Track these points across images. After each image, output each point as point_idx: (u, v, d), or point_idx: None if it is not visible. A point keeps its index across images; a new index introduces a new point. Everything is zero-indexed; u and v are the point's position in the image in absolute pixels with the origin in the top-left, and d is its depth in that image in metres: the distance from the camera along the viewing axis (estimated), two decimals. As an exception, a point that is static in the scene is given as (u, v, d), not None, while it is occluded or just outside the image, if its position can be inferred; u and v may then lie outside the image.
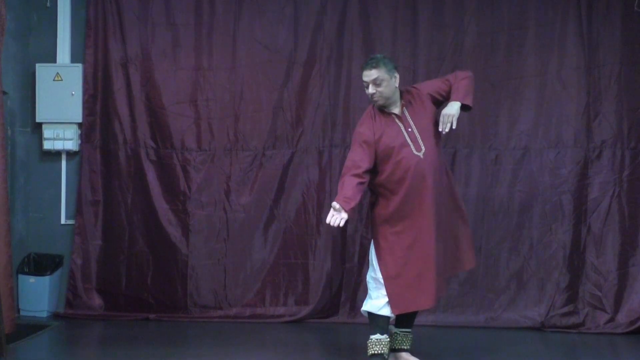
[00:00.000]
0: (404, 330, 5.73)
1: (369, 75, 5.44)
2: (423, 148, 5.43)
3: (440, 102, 5.62)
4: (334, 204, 5.20)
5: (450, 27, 7.42)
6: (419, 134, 5.45)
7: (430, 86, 5.67)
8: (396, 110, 5.51)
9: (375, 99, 5.47)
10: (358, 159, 5.37)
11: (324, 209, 7.33)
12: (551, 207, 7.27)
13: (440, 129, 5.42)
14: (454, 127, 5.38)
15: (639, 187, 7.21)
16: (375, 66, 5.43)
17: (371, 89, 5.44)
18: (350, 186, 5.28)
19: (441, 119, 5.41)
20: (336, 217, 5.19)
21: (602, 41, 7.27)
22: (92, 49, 7.59)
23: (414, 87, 5.68)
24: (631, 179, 7.22)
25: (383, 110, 5.52)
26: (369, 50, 7.34)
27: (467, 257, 5.73)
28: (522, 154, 7.34)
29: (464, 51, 7.40)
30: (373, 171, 5.44)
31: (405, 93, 5.57)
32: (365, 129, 5.47)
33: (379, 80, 5.42)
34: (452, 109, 5.40)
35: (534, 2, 7.37)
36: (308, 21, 7.52)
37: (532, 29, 7.36)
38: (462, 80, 5.52)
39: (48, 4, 7.63)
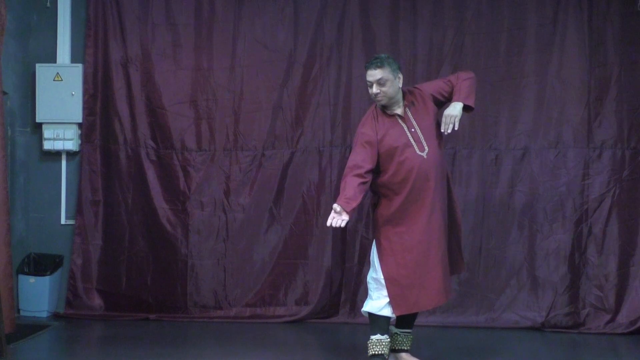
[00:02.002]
0: (404, 330, 5.73)
1: (373, 75, 5.43)
2: (426, 148, 5.42)
3: (442, 103, 5.61)
4: (335, 206, 5.20)
5: (450, 27, 7.43)
6: (422, 134, 5.45)
7: (432, 87, 5.66)
8: (399, 110, 5.51)
9: (378, 98, 5.46)
10: (360, 159, 5.36)
11: (323, 209, 7.34)
12: (551, 207, 7.27)
13: (442, 130, 5.43)
14: (456, 127, 5.38)
15: (639, 187, 7.21)
16: (379, 66, 5.42)
17: (375, 89, 5.43)
18: (352, 186, 5.28)
19: (443, 119, 5.41)
20: (337, 219, 5.19)
21: (602, 41, 7.27)
22: (92, 49, 7.59)
23: (416, 88, 5.67)
24: (631, 179, 7.22)
25: (385, 110, 5.52)
26: (369, 50, 7.35)
27: (456, 261, 5.72)
28: (522, 154, 7.34)
29: (464, 51, 7.40)
30: (375, 171, 5.44)
31: (407, 93, 5.56)
32: (368, 129, 5.46)
33: (383, 80, 5.41)
34: (455, 109, 5.41)
35: (534, 2, 7.37)
36: (308, 21, 7.52)
37: (532, 29, 7.36)
38: (464, 81, 5.52)
39: (48, 4, 7.62)
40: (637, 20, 7.23)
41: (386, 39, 7.45)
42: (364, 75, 5.58)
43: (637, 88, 7.24)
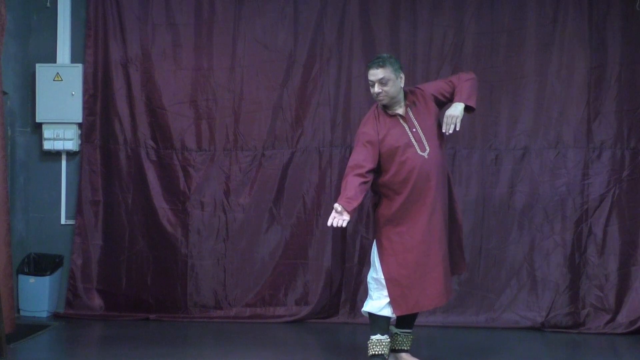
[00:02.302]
0: (404, 330, 5.73)
1: (375, 74, 5.42)
2: (427, 148, 5.42)
3: (443, 103, 5.61)
4: (336, 205, 5.20)
5: (450, 27, 7.42)
6: (424, 134, 5.45)
7: (434, 87, 5.66)
8: (400, 110, 5.51)
9: (380, 98, 5.46)
10: (361, 158, 5.36)
11: (323, 209, 7.34)
12: (551, 207, 7.26)
13: (443, 130, 5.42)
14: (457, 128, 5.38)
15: (639, 187, 7.21)
16: (381, 65, 5.42)
17: (377, 89, 5.43)
18: (352, 186, 5.28)
19: (445, 120, 5.40)
20: (338, 219, 5.19)
21: (602, 41, 7.27)
22: (92, 49, 7.59)
23: (418, 88, 5.67)
24: (631, 179, 7.22)
25: (387, 110, 5.51)
26: (369, 50, 7.35)
27: (457, 261, 5.73)
28: (522, 154, 7.34)
29: (464, 51, 7.40)
30: (376, 171, 5.44)
31: (409, 93, 5.56)
32: (369, 128, 5.46)
33: (385, 80, 5.41)
34: (456, 110, 5.41)
35: (534, 2, 7.37)
36: (308, 21, 7.52)
37: (532, 29, 7.36)
38: (465, 81, 5.52)
39: (48, 4, 7.62)
40: (637, 20, 7.23)
41: (386, 39, 7.45)
42: (364, 75, 5.58)
43: (637, 88, 7.24)
